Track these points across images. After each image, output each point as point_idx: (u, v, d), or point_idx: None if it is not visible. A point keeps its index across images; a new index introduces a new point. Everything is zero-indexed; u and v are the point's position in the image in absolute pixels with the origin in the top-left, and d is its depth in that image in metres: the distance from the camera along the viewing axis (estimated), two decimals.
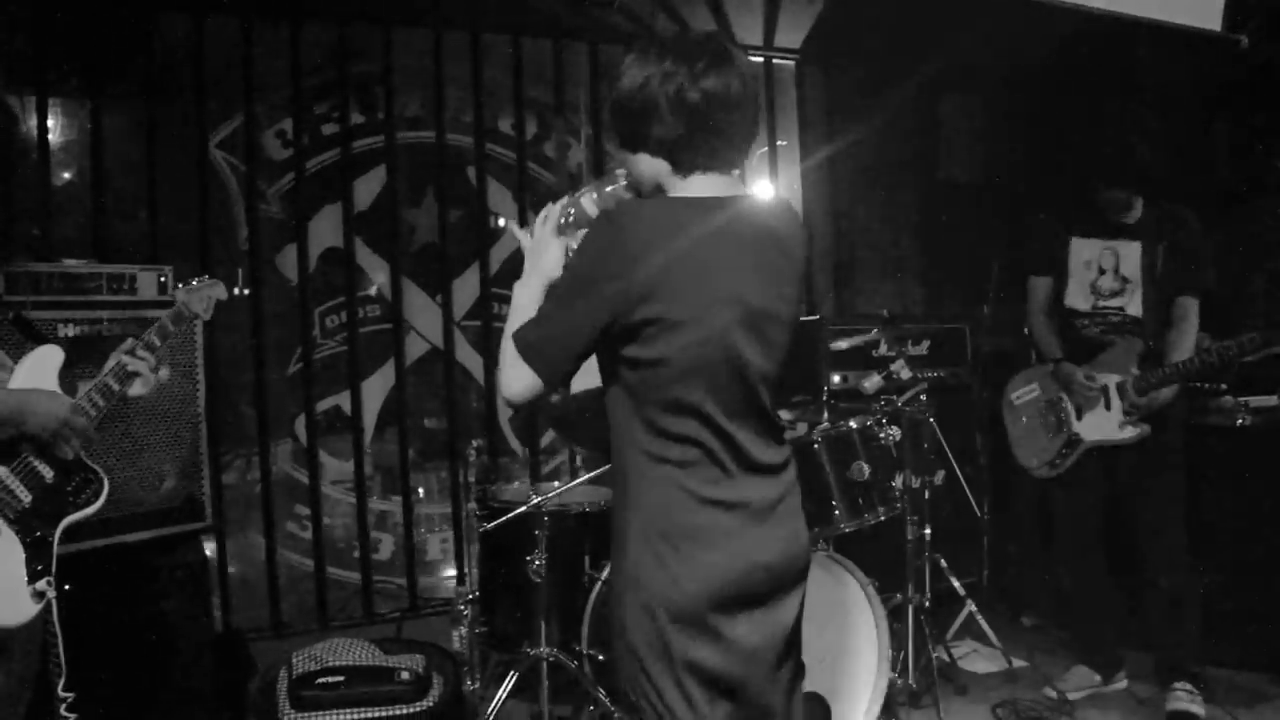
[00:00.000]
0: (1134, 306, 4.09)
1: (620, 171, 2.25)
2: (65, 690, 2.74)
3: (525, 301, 2.17)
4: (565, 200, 2.30)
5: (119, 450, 3.50)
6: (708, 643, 2.02)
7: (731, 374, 2.04)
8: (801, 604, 2.18)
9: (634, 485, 2.06)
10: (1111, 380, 4.04)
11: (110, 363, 2.78)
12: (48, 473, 2.65)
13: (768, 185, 5.99)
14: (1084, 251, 4.16)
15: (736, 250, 2.06)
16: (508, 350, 2.08)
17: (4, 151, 4.25)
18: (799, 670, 2.20)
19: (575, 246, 2.20)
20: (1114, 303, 4.11)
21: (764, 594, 2.08)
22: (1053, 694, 4.20)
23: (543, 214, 2.28)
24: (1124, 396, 4.01)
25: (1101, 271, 4.12)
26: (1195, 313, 4.05)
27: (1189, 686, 4.00)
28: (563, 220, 2.27)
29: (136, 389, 2.82)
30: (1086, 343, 4.14)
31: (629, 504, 2.07)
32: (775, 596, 2.10)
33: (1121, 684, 4.28)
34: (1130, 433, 4.01)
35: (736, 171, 2.17)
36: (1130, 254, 4.08)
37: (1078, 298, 4.18)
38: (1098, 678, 4.27)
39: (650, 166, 2.11)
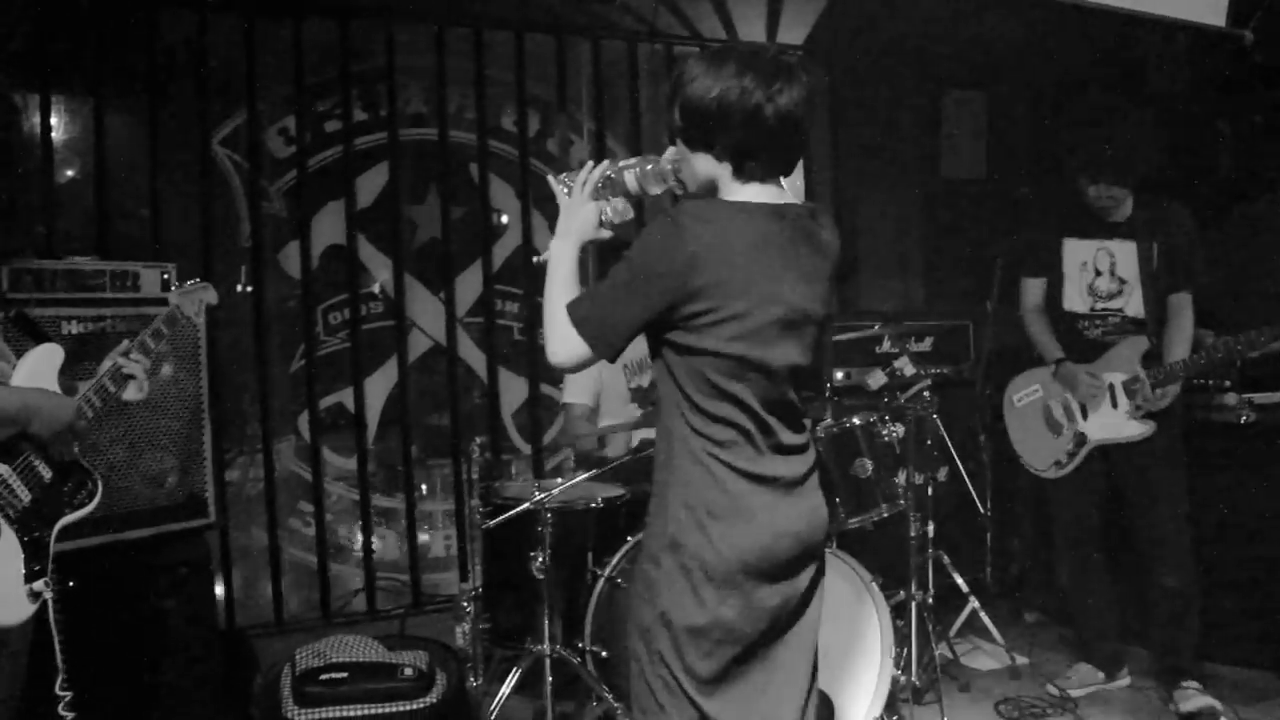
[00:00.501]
0: (1133, 307, 4.07)
1: (667, 156, 2.37)
2: (63, 689, 2.74)
3: (562, 258, 2.32)
4: (606, 164, 2.40)
5: (122, 447, 3.51)
6: (736, 603, 2.19)
7: (769, 369, 2.20)
8: (819, 572, 2.36)
9: (678, 457, 2.23)
10: (1116, 378, 4.03)
11: (106, 364, 2.79)
12: (46, 473, 2.66)
13: None
14: (1078, 253, 4.14)
15: (783, 253, 2.22)
16: (558, 318, 2.22)
17: (5, 146, 4.25)
18: (811, 633, 2.36)
19: (609, 212, 2.38)
20: (1113, 304, 4.09)
21: (789, 560, 2.25)
22: (1055, 691, 4.19)
23: (582, 174, 2.38)
24: (1131, 394, 3.99)
25: (1098, 273, 4.10)
26: (1190, 308, 4.04)
27: (1196, 684, 3.99)
28: (600, 185, 2.37)
29: (131, 393, 2.82)
30: (1089, 344, 4.12)
31: (672, 474, 2.23)
32: (799, 563, 2.28)
33: (1124, 681, 4.28)
34: (1138, 429, 4.00)
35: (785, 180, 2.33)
36: (1126, 254, 4.05)
37: (1075, 300, 4.16)
38: (1100, 675, 4.26)
39: (710, 167, 2.26)
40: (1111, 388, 4.03)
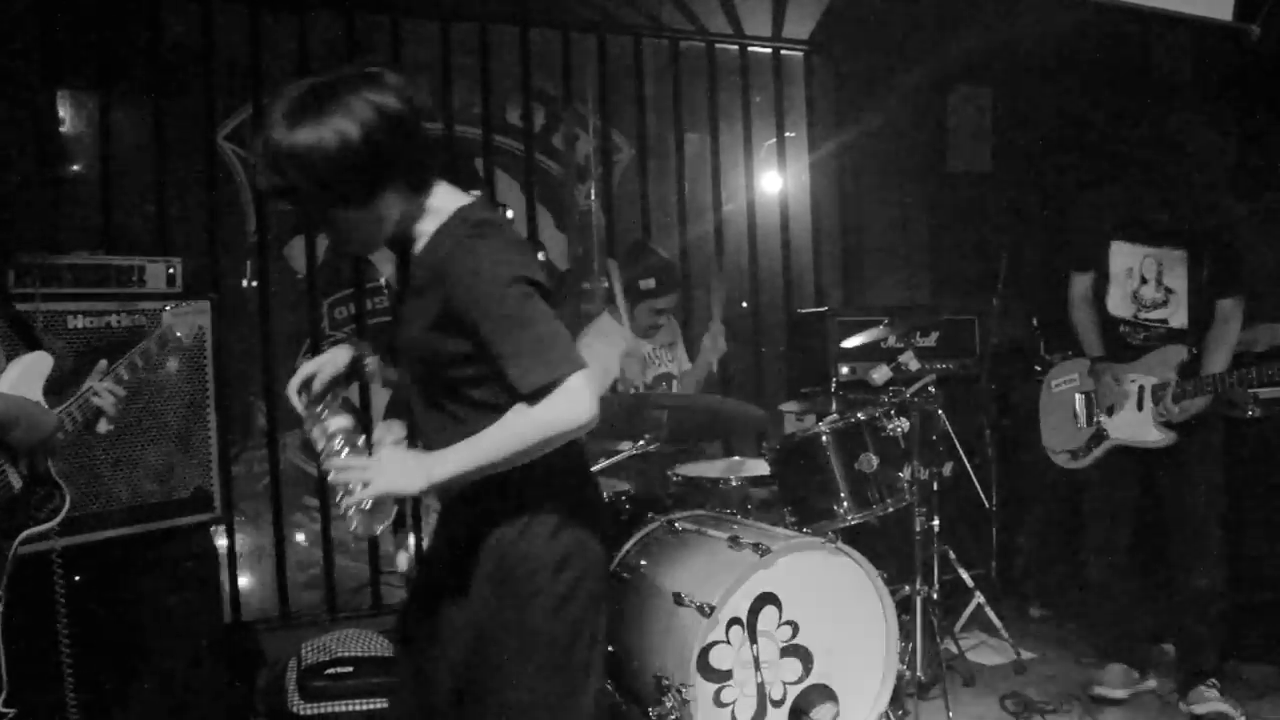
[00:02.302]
0: (1178, 319, 3.96)
1: (324, 415, 2.35)
2: (7, 705, 2.71)
3: (452, 465, 2.05)
4: (323, 450, 2.31)
5: (128, 442, 3.51)
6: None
7: None
8: None
9: (540, 464, 2.06)
10: (1148, 382, 3.96)
11: (88, 382, 2.74)
12: (16, 483, 2.61)
13: (776, 177, 5.99)
14: (1125, 258, 4.04)
15: None
16: (539, 418, 1.98)
17: (31, 141, 4.25)
18: None
19: (388, 438, 2.35)
20: (1156, 314, 3.98)
21: None
22: (1102, 694, 4.05)
23: (344, 486, 2.11)
24: (1158, 401, 3.94)
25: (1144, 280, 4.00)
26: (1238, 314, 3.91)
27: (1216, 686, 3.89)
28: (340, 450, 2.26)
29: (102, 427, 2.76)
30: (1129, 348, 4.05)
31: (534, 483, 2.11)
32: None
33: (1153, 683, 4.18)
34: (1158, 437, 3.93)
35: None
36: (1174, 264, 3.94)
37: (1119, 305, 4.06)
38: (1135, 674, 4.14)
39: (395, 203, 2.05)
40: (1141, 390, 3.98)
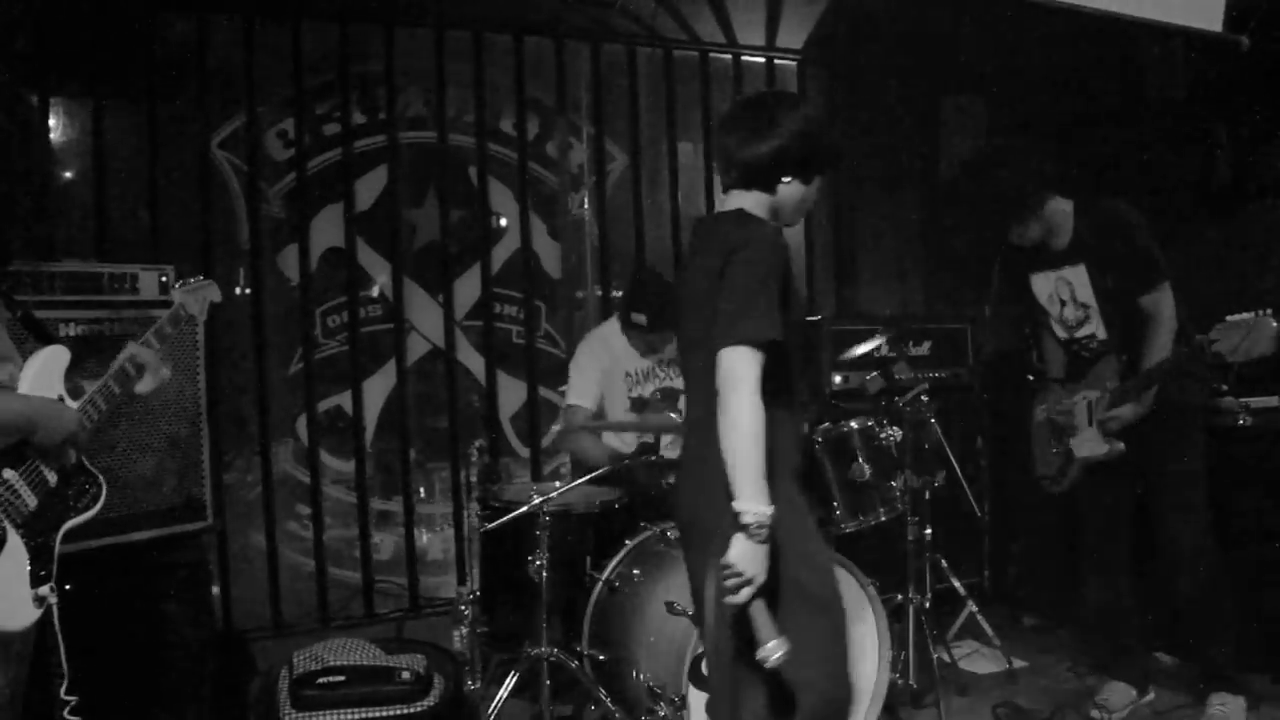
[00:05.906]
0: (1101, 330, 3.95)
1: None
2: (68, 694, 2.73)
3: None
4: None
5: (120, 450, 3.50)
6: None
7: None
8: None
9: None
10: (1092, 397, 3.96)
11: (114, 366, 2.77)
12: (51, 477, 2.64)
13: None
14: (1042, 287, 4.07)
15: None
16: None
17: (22, 148, 4.25)
18: None
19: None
20: (1085, 331, 3.99)
21: None
22: (1101, 716, 4.01)
23: None
24: (1094, 413, 3.95)
25: (1063, 303, 4.02)
26: (1165, 307, 3.79)
27: (1225, 699, 3.85)
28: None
29: (146, 384, 2.82)
30: (1084, 365, 4.07)
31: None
32: None
33: (1150, 696, 4.15)
34: (1105, 449, 3.89)
35: None
36: (1079, 278, 3.94)
37: (1059, 330, 4.10)
38: (1134, 692, 4.11)
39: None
40: (1088, 406, 3.98)
